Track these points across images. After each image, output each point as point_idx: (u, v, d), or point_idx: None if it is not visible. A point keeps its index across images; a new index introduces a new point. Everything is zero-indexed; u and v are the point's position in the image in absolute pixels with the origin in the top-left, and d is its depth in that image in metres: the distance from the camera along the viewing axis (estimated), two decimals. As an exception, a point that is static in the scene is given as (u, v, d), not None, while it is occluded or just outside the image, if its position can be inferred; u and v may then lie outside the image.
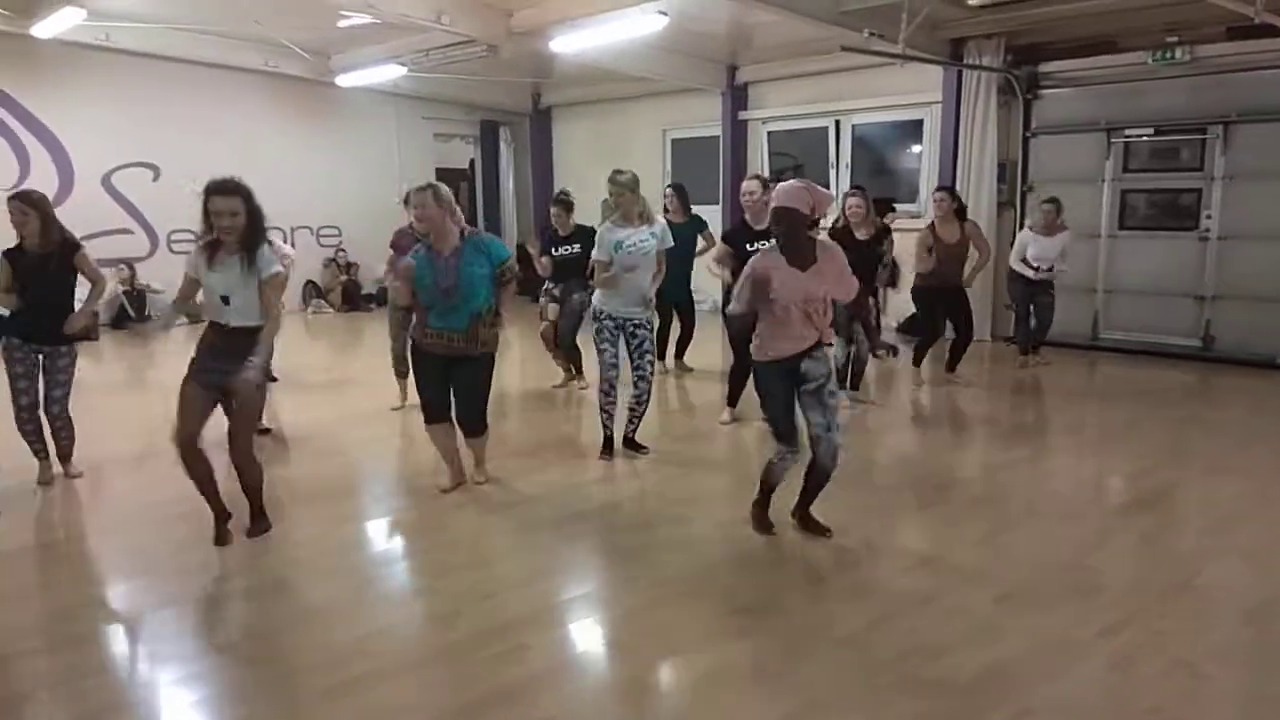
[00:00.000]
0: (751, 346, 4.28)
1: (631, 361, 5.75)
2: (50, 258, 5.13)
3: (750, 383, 4.69)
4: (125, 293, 11.83)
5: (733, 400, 6.70)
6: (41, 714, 3.03)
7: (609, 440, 5.86)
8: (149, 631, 3.66)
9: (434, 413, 5.09)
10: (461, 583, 4.08)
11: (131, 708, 3.09)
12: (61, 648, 3.48)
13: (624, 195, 5.59)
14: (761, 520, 4.53)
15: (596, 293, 5.72)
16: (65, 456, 5.48)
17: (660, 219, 5.85)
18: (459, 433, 5.18)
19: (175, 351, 10.58)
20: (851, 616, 3.63)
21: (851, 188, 7.80)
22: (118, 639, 3.58)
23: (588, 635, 3.61)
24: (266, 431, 6.49)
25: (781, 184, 4.16)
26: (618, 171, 5.64)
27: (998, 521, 4.77)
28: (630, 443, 6.01)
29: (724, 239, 6.43)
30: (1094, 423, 7.22)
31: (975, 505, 5.09)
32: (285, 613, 3.83)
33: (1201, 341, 9.25)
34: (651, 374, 5.80)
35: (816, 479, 4.36)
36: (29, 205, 5.11)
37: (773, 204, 4.13)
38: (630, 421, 5.97)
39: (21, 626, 3.64)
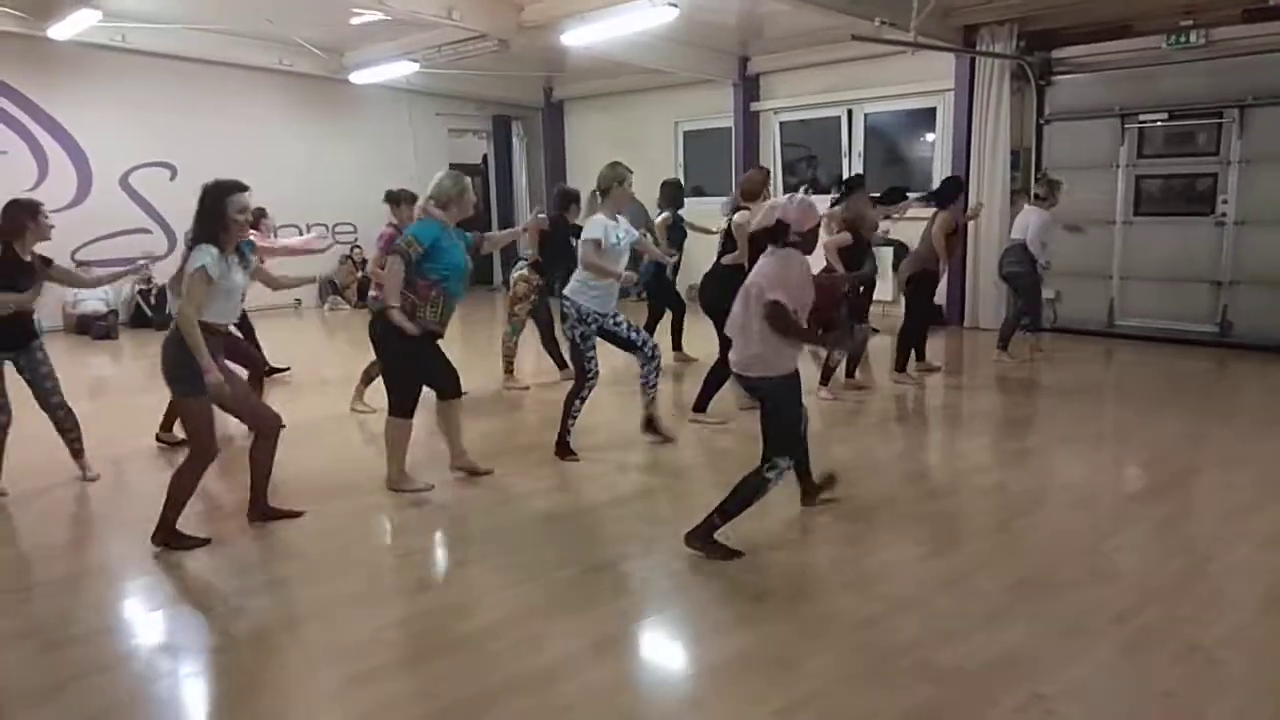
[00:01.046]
0: (766, 365, 4.01)
1: (632, 342, 5.69)
2: (31, 265, 5.11)
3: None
4: (141, 292, 11.93)
5: (701, 405, 6.48)
6: (59, 708, 3.07)
7: (568, 444, 5.70)
8: (165, 627, 3.71)
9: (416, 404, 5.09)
10: (477, 574, 4.13)
11: (148, 703, 3.14)
12: (78, 643, 3.53)
13: (628, 188, 5.57)
14: (725, 548, 4.12)
15: (585, 294, 5.48)
16: (78, 453, 5.43)
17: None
18: (449, 408, 5.22)
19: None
20: (865, 603, 3.65)
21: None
22: (133, 634, 3.63)
23: (604, 624, 3.64)
24: None
25: (799, 199, 4.09)
26: (627, 167, 5.60)
27: (1012, 508, 4.78)
28: (654, 426, 6.00)
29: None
30: (1110, 410, 7.21)
31: (990, 493, 5.10)
32: (301, 606, 3.88)
33: (1218, 327, 9.19)
34: (653, 340, 5.82)
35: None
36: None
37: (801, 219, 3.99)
38: (651, 401, 5.93)
39: (38, 622, 3.71)
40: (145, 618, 3.78)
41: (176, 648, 3.53)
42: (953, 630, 3.40)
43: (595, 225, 5.50)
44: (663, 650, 3.47)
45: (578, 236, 7.43)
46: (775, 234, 4.00)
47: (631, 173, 5.61)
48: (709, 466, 5.69)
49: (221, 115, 12.54)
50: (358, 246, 14.00)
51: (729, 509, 4.08)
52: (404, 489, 5.12)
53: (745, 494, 4.05)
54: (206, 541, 4.39)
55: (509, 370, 7.84)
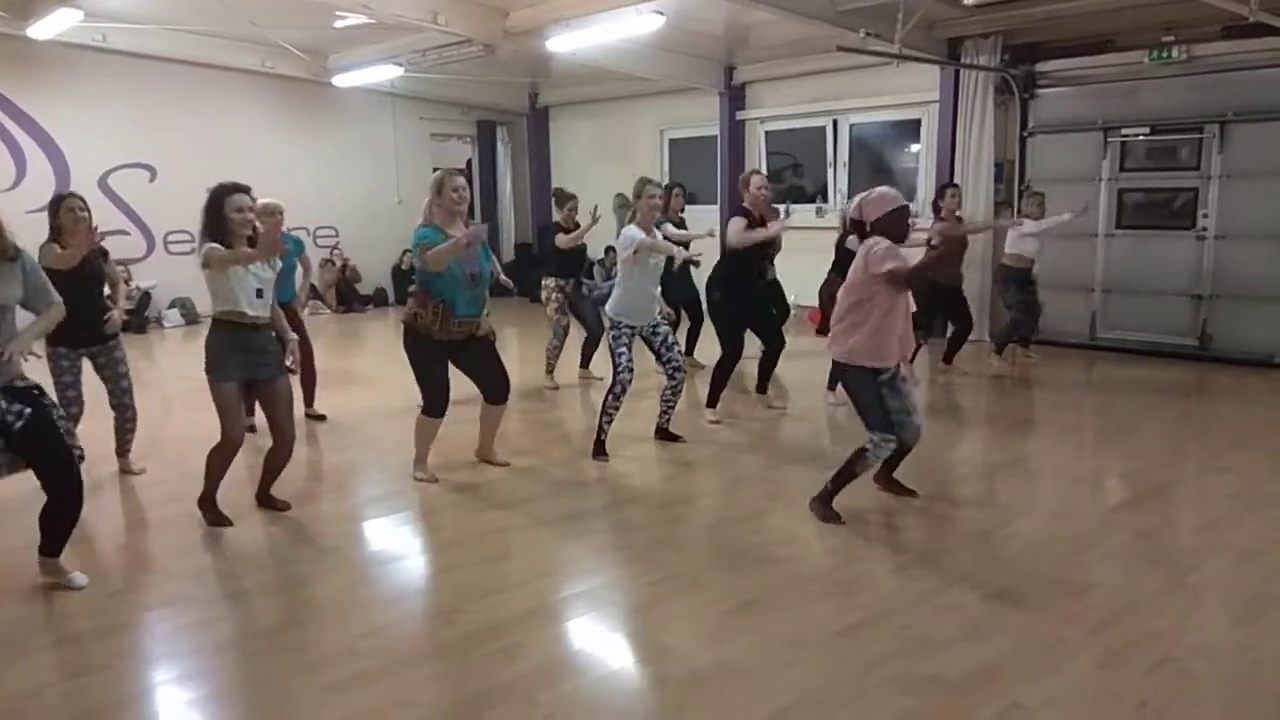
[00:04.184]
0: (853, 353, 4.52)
1: (661, 357, 5.88)
2: (87, 258, 5.09)
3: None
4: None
5: (713, 400, 6.72)
6: (42, 711, 3.05)
7: (603, 444, 5.83)
8: (148, 630, 3.68)
9: (444, 405, 5.25)
10: (461, 581, 4.11)
11: (130, 705, 3.11)
12: (62, 646, 3.51)
13: (658, 202, 5.74)
14: (830, 512, 4.68)
15: (616, 305, 5.72)
16: (125, 451, 5.65)
17: (668, 228, 5.94)
18: (489, 409, 5.49)
19: (175, 353, 10.63)
20: (846, 613, 3.66)
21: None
22: (117, 638, 3.58)
23: (585, 633, 3.63)
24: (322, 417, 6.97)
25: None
26: (652, 181, 5.75)
27: (992, 519, 4.78)
28: (665, 433, 6.19)
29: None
30: (1090, 421, 7.24)
31: (970, 502, 5.11)
32: (283, 611, 3.85)
33: (1199, 340, 9.25)
34: (683, 363, 6.04)
35: (898, 455, 4.84)
36: (84, 204, 5.14)
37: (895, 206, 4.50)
38: (665, 412, 6.15)
39: (24, 624, 3.67)
40: (127, 623, 3.72)
41: (151, 654, 3.50)
42: (932, 641, 3.41)
43: (626, 241, 5.63)
44: (642, 660, 3.45)
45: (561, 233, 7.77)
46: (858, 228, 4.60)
47: (652, 184, 5.72)
48: (697, 479, 5.68)
49: (203, 117, 12.46)
50: (338, 250, 13.94)
51: (841, 477, 4.65)
52: (415, 475, 5.40)
53: (851, 464, 4.63)
54: (229, 523, 4.66)
55: (549, 371, 8.11)
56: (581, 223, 7.75)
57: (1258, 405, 7.46)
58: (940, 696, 3.04)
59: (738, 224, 6.37)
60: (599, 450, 5.81)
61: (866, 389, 4.56)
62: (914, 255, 4.52)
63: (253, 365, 4.57)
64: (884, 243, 4.41)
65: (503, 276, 5.61)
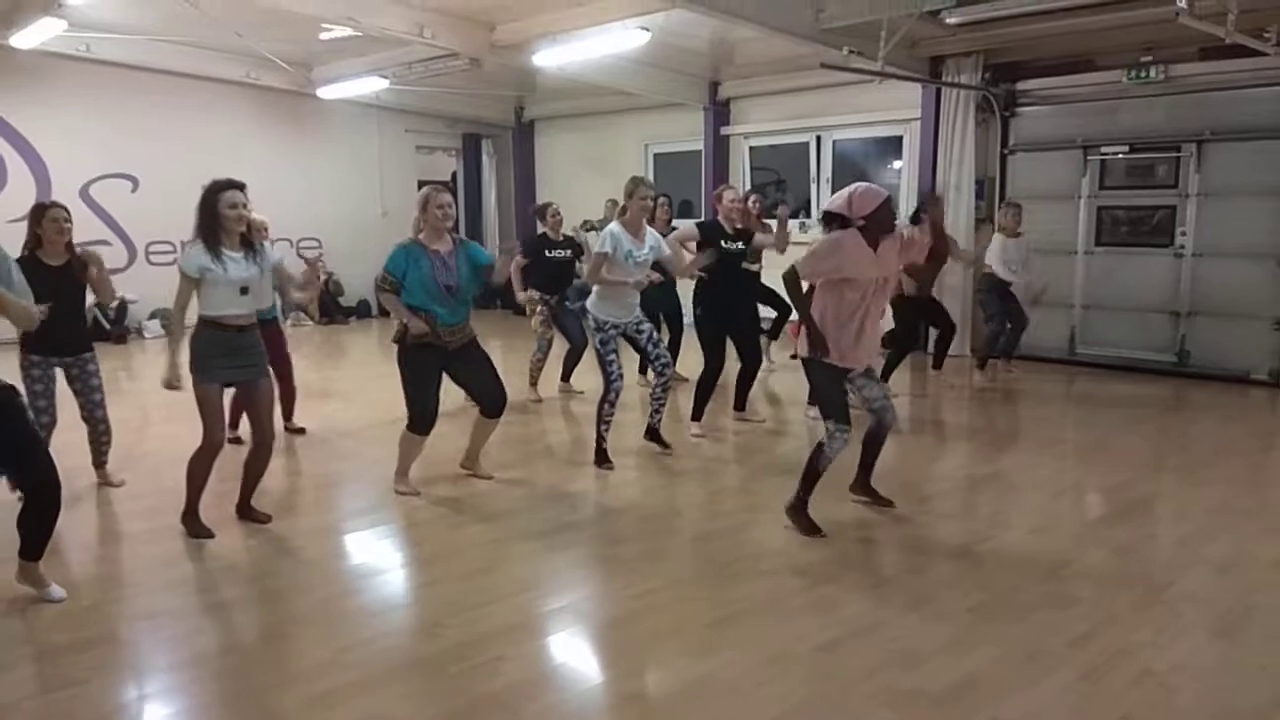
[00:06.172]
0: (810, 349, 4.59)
1: (648, 354, 5.97)
2: (69, 268, 5.09)
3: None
4: (98, 305, 11.70)
5: (698, 413, 6.71)
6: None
7: (605, 451, 5.86)
8: (127, 644, 3.65)
9: (430, 424, 5.22)
10: (443, 594, 4.09)
11: (106, 720, 3.08)
12: (40, 659, 3.47)
13: (649, 204, 5.75)
14: (810, 522, 4.66)
15: (597, 304, 5.71)
16: (102, 464, 5.57)
17: (654, 232, 5.98)
18: (483, 421, 5.45)
19: (155, 364, 10.55)
20: (829, 627, 3.66)
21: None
22: (96, 651, 3.54)
23: (568, 647, 3.62)
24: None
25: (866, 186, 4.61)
26: (645, 182, 5.76)
27: (974, 533, 4.81)
28: (656, 434, 6.18)
29: (700, 228, 6.68)
30: (1070, 436, 7.29)
31: (952, 517, 5.14)
32: (265, 624, 3.83)
33: (1177, 357, 9.34)
34: (669, 359, 6.11)
35: (876, 446, 4.94)
36: (69, 215, 5.13)
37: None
38: (656, 412, 6.13)
39: (2, 638, 3.64)
40: (107, 636, 3.68)
41: (131, 667, 3.47)
42: (914, 654, 3.41)
43: (604, 237, 5.68)
44: (624, 675, 3.44)
45: (552, 249, 7.78)
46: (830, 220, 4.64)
47: (645, 185, 5.71)
48: (680, 492, 5.69)
49: (186, 127, 12.40)
50: (321, 262, 13.86)
51: (806, 478, 4.65)
52: (397, 488, 5.36)
53: (813, 462, 4.63)
54: (212, 535, 4.62)
55: (532, 383, 8.07)
56: (566, 225, 7.97)
57: (1235, 420, 7.54)
58: (922, 710, 3.05)
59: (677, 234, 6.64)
60: (602, 458, 5.84)
61: (826, 378, 4.63)
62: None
63: (235, 369, 4.59)
64: (827, 242, 4.55)
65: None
